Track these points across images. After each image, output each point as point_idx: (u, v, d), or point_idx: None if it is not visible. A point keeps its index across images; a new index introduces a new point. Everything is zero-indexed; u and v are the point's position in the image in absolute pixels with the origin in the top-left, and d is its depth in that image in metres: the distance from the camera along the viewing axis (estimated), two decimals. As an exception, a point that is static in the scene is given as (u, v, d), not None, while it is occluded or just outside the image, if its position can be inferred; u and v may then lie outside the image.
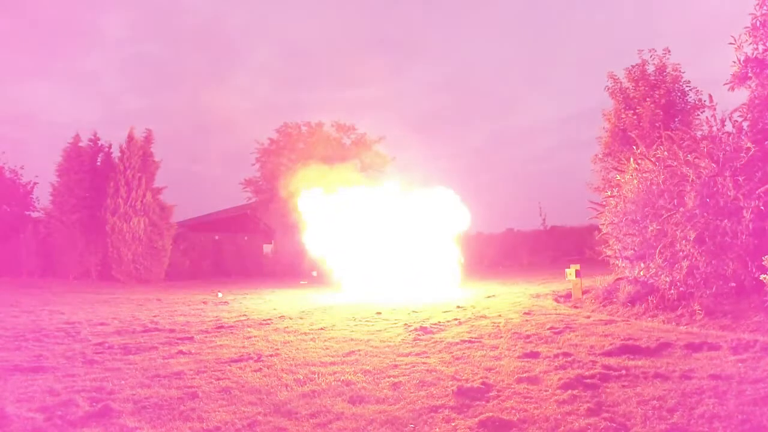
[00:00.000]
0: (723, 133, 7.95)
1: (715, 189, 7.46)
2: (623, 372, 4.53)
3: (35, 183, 21.15)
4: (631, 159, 9.45)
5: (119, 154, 19.91)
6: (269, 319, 8.79)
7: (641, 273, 8.43)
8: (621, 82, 14.80)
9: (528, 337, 6.40)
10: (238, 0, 55.69)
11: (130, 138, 19.99)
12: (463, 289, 13.42)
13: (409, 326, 7.60)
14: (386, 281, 13.61)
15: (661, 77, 14.30)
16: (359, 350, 5.96)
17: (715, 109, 8.17)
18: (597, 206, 10.44)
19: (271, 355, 5.78)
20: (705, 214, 7.37)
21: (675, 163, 8.23)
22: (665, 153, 8.62)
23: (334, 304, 11.09)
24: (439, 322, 7.90)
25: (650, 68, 14.53)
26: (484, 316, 8.27)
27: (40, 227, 19.82)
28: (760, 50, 7.89)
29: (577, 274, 10.19)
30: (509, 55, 57.62)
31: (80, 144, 20.51)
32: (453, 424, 3.48)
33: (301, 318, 8.95)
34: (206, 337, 7.19)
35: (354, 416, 3.67)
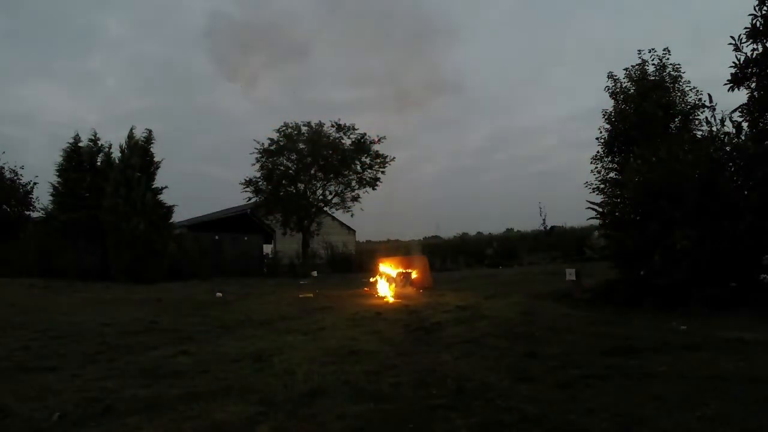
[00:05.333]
0: (723, 133, 7.97)
1: (715, 189, 7.47)
2: (623, 371, 4.53)
3: (35, 183, 21.12)
4: (631, 159, 9.46)
5: (119, 154, 19.90)
6: (269, 319, 8.79)
7: (641, 273, 8.44)
8: (621, 82, 14.80)
9: (528, 336, 6.40)
10: (238, 0, 55.76)
11: (130, 138, 19.97)
12: (462, 290, 13.41)
13: (409, 326, 7.61)
14: (387, 282, 13.61)
15: (660, 77, 14.30)
16: (359, 350, 5.97)
17: (714, 110, 8.20)
18: (596, 206, 10.44)
19: (271, 355, 5.79)
20: (705, 214, 7.38)
21: (675, 163, 8.24)
22: (665, 153, 8.64)
23: (334, 304, 11.08)
24: (439, 322, 7.90)
25: (650, 68, 14.53)
26: (484, 316, 8.26)
27: (40, 227, 19.80)
28: (760, 50, 7.91)
29: (577, 274, 10.20)
30: (510, 55, 57.72)
31: (80, 144, 20.51)
32: (453, 423, 3.48)
33: (301, 318, 8.96)
34: (207, 336, 7.20)
35: (354, 416, 3.67)
